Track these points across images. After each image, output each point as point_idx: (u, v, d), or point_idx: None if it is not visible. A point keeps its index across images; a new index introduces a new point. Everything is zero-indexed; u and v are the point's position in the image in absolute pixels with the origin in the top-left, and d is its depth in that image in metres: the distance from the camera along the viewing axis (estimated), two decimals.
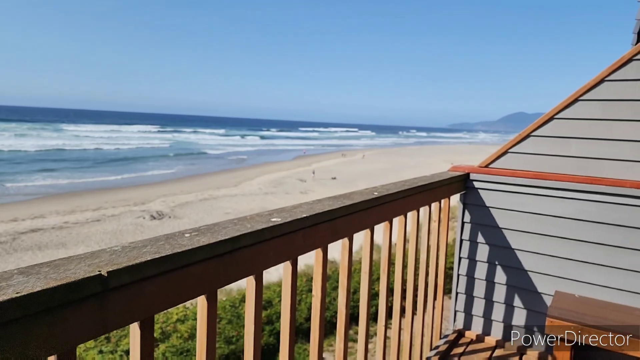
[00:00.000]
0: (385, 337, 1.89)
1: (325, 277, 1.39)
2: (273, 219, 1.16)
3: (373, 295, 2.28)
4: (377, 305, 1.91)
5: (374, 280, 1.75)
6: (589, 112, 2.34)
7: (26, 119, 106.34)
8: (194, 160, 44.35)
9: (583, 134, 2.37)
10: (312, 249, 1.31)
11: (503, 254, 2.57)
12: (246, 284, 1.14)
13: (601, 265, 2.27)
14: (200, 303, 1.00)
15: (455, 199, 2.66)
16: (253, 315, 1.14)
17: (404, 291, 2.04)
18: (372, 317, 6.53)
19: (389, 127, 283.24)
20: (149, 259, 0.82)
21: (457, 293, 2.75)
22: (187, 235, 0.98)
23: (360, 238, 1.67)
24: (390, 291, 1.91)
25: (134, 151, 50.10)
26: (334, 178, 31.92)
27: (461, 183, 2.59)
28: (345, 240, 1.51)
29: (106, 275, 0.74)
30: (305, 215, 1.23)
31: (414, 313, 2.21)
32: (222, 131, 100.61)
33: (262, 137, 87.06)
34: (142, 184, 28.09)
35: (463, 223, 2.68)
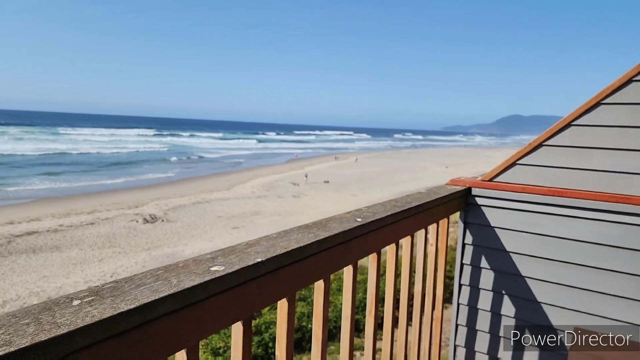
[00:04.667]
0: None
1: (291, 334, 1.08)
2: (214, 268, 0.84)
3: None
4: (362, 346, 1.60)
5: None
6: (614, 118, 1.99)
7: (25, 122, 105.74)
8: (189, 164, 44.13)
9: (607, 144, 2.02)
10: (272, 303, 1.00)
11: (511, 282, 2.22)
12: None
13: (629, 298, 1.93)
14: None
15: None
16: None
17: (393, 331, 1.73)
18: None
19: (383, 130, 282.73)
20: None
21: (457, 325, 2.39)
22: (76, 302, 0.68)
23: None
24: (378, 331, 1.61)
25: (132, 155, 49.88)
26: (327, 181, 31.65)
27: (462, 199, 2.25)
28: (320, 282, 1.20)
29: None
30: (260, 260, 0.91)
31: (407, 354, 1.90)
32: (219, 135, 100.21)
33: (259, 141, 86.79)
34: (137, 187, 27.91)
35: (464, 245, 2.34)
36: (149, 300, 0.70)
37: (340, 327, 1.38)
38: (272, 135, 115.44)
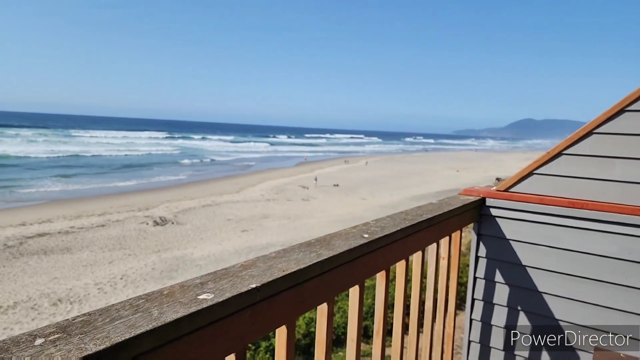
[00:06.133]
0: None
1: None
2: (202, 296, 0.76)
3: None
4: None
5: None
6: (638, 126, 1.87)
7: (38, 124, 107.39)
8: (200, 167, 44.40)
9: (631, 153, 1.89)
10: (269, 331, 0.91)
11: (527, 297, 2.10)
12: None
13: None
14: None
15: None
16: None
17: (402, 347, 1.63)
18: None
19: (395, 134, 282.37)
20: None
21: (469, 342, 2.27)
22: (38, 341, 0.60)
23: None
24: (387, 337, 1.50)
25: (143, 157, 50.38)
26: (336, 185, 31.58)
27: (475, 210, 2.14)
28: (323, 305, 1.11)
29: None
30: (255, 286, 0.83)
31: None
32: (230, 137, 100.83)
33: (270, 144, 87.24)
34: (148, 190, 28.13)
35: (477, 258, 2.22)
36: (123, 338, 0.61)
37: (347, 333, 1.29)
38: (283, 138, 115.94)
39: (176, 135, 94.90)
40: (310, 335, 8.62)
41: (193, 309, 0.72)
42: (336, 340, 8.28)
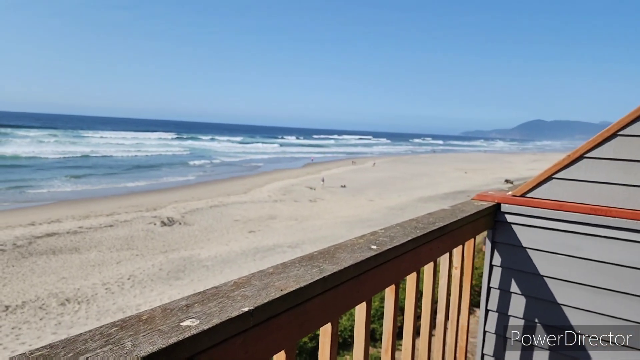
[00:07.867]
0: None
1: None
2: (185, 323, 0.66)
3: None
4: None
5: None
6: None
7: (47, 125, 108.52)
8: (208, 167, 44.51)
9: None
10: (264, 359, 0.81)
11: (545, 309, 1.98)
12: None
13: None
14: None
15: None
16: None
17: None
18: None
19: (403, 135, 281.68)
20: None
21: (483, 354, 2.15)
22: None
23: None
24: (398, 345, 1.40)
25: (152, 158, 50.71)
26: (344, 186, 31.47)
27: (490, 217, 2.02)
28: (327, 326, 1.01)
29: None
30: (248, 310, 0.73)
31: None
32: (238, 138, 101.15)
33: (278, 145, 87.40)
34: (156, 190, 28.25)
35: (492, 266, 2.10)
36: None
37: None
38: (291, 139, 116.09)
39: (185, 136, 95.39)
40: (316, 339, 8.52)
41: (173, 340, 0.62)
42: (342, 343, 8.17)
